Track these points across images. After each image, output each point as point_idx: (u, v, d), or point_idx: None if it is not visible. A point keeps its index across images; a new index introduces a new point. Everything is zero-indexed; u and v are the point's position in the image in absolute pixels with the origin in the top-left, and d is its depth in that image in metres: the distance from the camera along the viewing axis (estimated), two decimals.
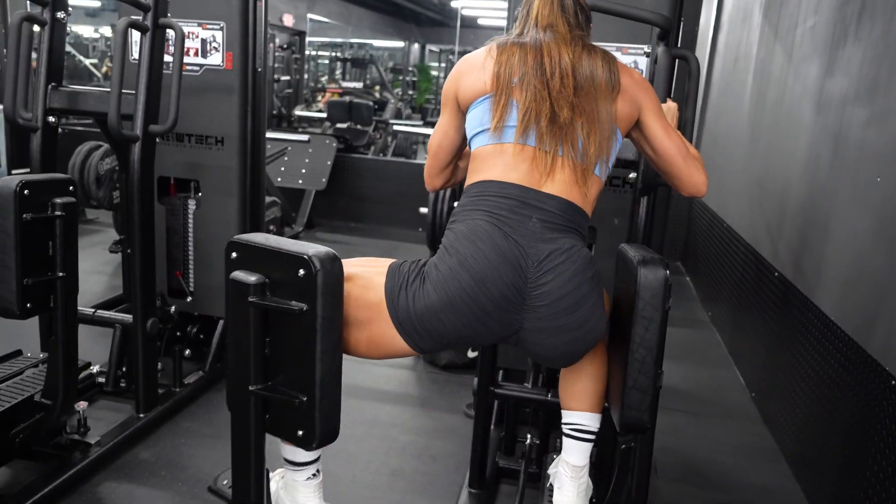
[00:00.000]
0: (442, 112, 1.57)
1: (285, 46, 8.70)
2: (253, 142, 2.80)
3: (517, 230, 1.35)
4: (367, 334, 1.39)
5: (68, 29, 3.00)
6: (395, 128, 7.62)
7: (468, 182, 1.47)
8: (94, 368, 2.61)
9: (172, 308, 2.78)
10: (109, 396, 2.61)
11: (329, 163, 5.76)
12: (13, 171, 4.82)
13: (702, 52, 5.22)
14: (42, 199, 1.89)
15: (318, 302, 1.22)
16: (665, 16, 1.68)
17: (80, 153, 3.72)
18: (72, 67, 9.86)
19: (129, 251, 2.41)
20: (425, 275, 1.35)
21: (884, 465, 1.86)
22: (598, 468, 2.05)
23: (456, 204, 1.46)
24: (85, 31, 12.93)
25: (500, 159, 1.41)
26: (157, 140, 2.42)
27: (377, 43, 19.08)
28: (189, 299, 2.92)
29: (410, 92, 13.85)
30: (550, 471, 1.68)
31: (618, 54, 2.27)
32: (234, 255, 1.31)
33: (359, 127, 7.13)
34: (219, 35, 2.68)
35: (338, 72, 13.67)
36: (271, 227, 4.53)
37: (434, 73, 16.78)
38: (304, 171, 5.74)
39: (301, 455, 1.44)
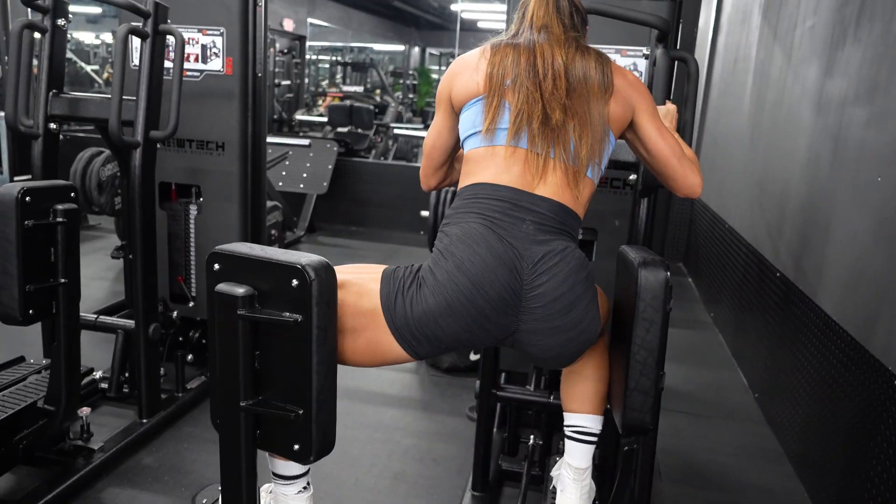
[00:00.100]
0: (436, 112, 1.57)
1: (286, 51, 8.72)
2: (254, 147, 2.80)
3: (511, 232, 1.35)
4: (362, 342, 1.36)
5: (69, 36, 3.02)
6: (396, 131, 7.63)
7: (461, 185, 1.46)
8: (97, 374, 2.61)
9: (174, 313, 2.79)
10: (112, 402, 2.61)
11: (330, 167, 5.77)
12: (15, 178, 4.84)
13: (701, 53, 5.23)
14: (43, 205, 1.90)
15: (312, 312, 1.18)
16: (663, 18, 1.68)
17: (82, 159, 3.74)
18: (73, 74, 9.90)
19: (130, 257, 2.41)
20: (421, 280, 1.34)
21: (887, 465, 1.85)
22: (601, 470, 2.05)
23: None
24: (86, 37, 12.97)
25: (491, 161, 1.40)
26: (158, 146, 2.43)
27: (377, 47, 19.11)
28: (191, 304, 2.93)
29: (411, 95, 13.86)
30: (553, 473, 1.68)
31: (617, 57, 2.27)
32: (216, 266, 1.26)
33: (360, 131, 7.14)
34: (219, 41, 2.69)
35: (338, 76, 13.70)
36: (273, 232, 4.54)
37: (434, 76, 16.77)
38: (305, 175, 5.75)
39: (292, 468, 1.41)
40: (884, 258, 2.03)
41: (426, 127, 9.02)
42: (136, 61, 2.61)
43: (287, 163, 5.78)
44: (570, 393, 1.59)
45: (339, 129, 7.13)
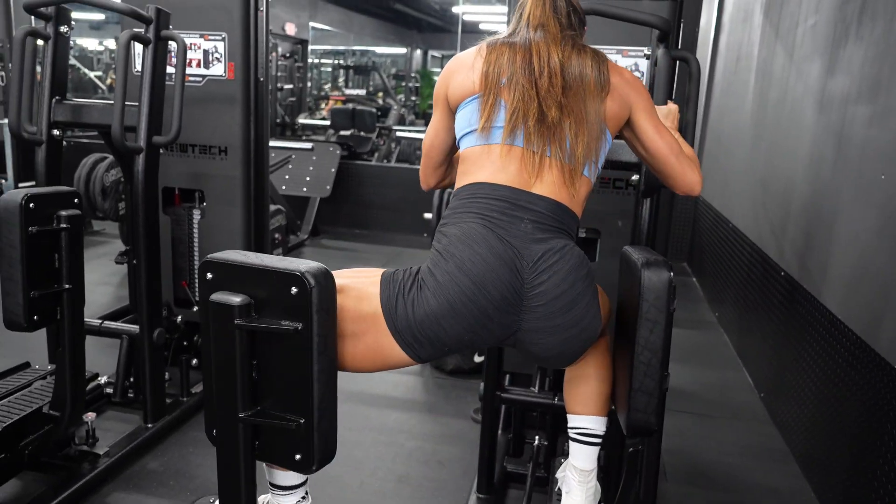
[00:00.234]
0: (434, 111, 1.57)
1: (288, 55, 8.72)
2: (256, 151, 2.81)
3: (510, 232, 1.34)
4: (362, 347, 1.34)
5: (73, 42, 3.03)
6: (399, 134, 7.63)
7: (458, 184, 1.45)
8: (102, 379, 2.62)
9: (179, 318, 2.79)
10: (117, 407, 2.62)
11: (333, 170, 5.78)
12: (20, 185, 4.86)
13: (703, 52, 5.22)
14: (47, 211, 1.90)
15: (313, 320, 1.16)
16: (664, 18, 1.68)
17: (86, 165, 3.75)
18: (77, 80, 9.93)
19: (134, 262, 2.42)
20: (421, 282, 1.33)
21: (894, 464, 1.84)
22: (606, 471, 2.05)
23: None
24: (89, 43, 13.03)
25: (488, 160, 1.40)
26: (161, 151, 2.44)
27: (379, 50, 19.14)
28: (195, 309, 2.93)
29: (413, 98, 13.87)
30: (558, 475, 1.67)
31: (618, 57, 2.27)
32: (209, 275, 1.22)
33: (362, 134, 7.14)
34: (220, 46, 2.69)
35: (341, 79, 13.71)
36: (276, 236, 4.54)
37: (436, 78, 16.78)
38: (308, 178, 5.76)
39: (290, 479, 1.40)
40: (888, 256, 2.03)
41: None
42: (139, 67, 2.62)
43: (290, 166, 5.80)
44: (574, 395, 1.59)
45: (342, 133, 7.13)
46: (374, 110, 7.68)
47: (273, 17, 2.94)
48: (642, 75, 2.26)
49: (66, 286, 1.96)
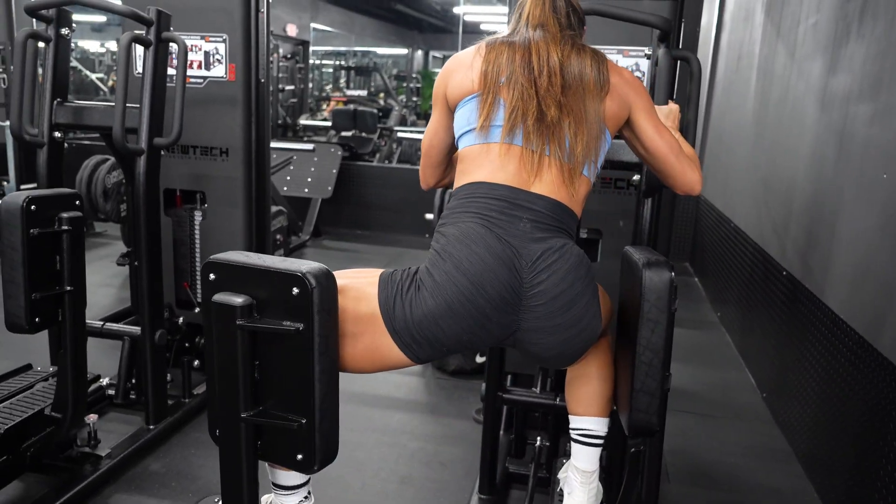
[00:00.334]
0: (433, 110, 1.57)
1: (289, 56, 8.73)
2: (257, 152, 2.81)
3: (509, 231, 1.34)
4: (360, 347, 1.34)
5: (74, 44, 3.03)
6: (400, 135, 7.63)
7: (457, 184, 1.45)
8: (104, 381, 2.62)
9: (181, 319, 2.80)
10: (119, 408, 2.62)
11: (334, 171, 5.78)
12: (21, 187, 4.87)
13: (704, 51, 5.22)
14: (49, 213, 1.91)
15: (314, 321, 1.16)
16: (665, 17, 1.68)
17: (87, 167, 3.76)
18: (78, 82, 9.95)
19: (136, 263, 2.42)
20: (419, 282, 1.33)
21: None
22: (609, 472, 2.04)
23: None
24: (91, 45, 13.05)
25: (486, 159, 1.39)
26: (162, 152, 2.44)
27: (380, 51, 19.15)
28: (197, 310, 2.93)
29: (415, 98, 13.86)
30: (560, 476, 1.67)
31: (619, 57, 2.27)
32: (211, 276, 1.23)
33: (364, 135, 7.14)
34: (221, 47, 2.70)
35: (342, 80, 13.72)
36: (278, 237, 4.55)
37: None
38: (309, 179, 5.76)
39: (292, 479, 1.40)
40: (890, 255, 2.02)
41: None
42: (140, 69, 2.62)
43: (291, 167, 5.80)
44: (575, 396, 1.59)
45: (343, 133, 7.14)
46: (375, 111, 7.68)
47: (274, 18, 2.95)
48: (643, 75, 2.25)
49: (68, 288, 1.97)
